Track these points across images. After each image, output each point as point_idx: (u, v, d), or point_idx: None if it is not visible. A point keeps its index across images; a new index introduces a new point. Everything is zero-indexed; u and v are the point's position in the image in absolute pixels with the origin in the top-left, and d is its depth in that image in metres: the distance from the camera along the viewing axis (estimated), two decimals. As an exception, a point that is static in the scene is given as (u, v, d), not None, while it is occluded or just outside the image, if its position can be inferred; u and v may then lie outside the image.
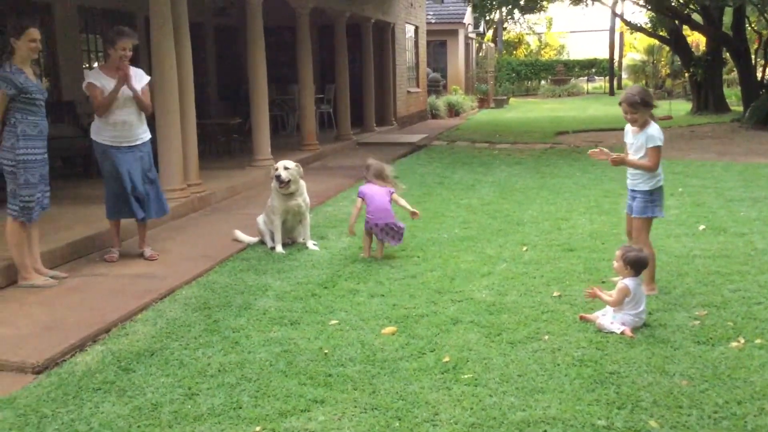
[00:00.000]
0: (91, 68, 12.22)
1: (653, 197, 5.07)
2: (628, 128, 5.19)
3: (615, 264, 4.69)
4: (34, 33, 5.32)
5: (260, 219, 6.78)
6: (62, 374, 3.97)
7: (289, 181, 6.45)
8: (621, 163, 5.13)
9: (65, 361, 4.18)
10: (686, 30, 23.87)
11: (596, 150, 5.26)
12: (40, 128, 5.43)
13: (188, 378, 3.90)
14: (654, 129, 5.03)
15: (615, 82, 38.61)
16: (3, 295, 5.32)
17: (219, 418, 3.46)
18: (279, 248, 6.50)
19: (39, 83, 5.46)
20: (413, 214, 6.40)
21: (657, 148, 4.98)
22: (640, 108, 5.00)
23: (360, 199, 6.28)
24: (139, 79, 6.16)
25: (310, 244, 6.66)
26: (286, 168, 6.45)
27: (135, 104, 6.09)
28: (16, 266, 5.46)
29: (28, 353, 4.18)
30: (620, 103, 5.13)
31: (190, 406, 3.58)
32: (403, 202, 6.41)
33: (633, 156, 5.12)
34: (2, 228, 5.55)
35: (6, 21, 10.54)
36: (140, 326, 4.68)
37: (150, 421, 3.44)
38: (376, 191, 6.27)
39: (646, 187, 5.06)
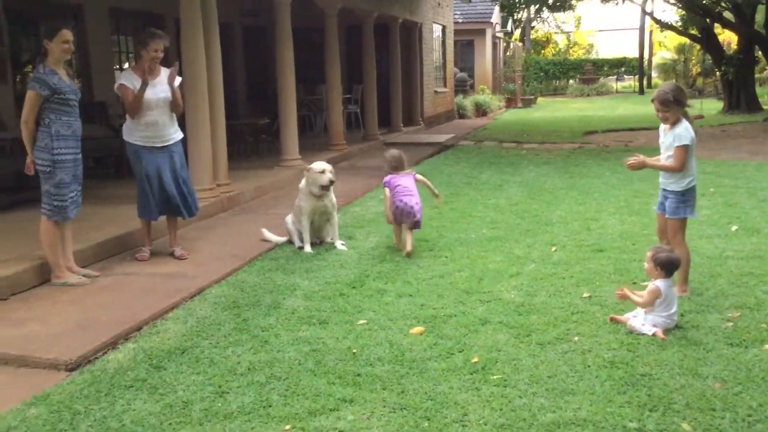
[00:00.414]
0: (122, 69, 12.38)
1: (685, 197, 5.00)
2: (662, 127, 5.13)
3: (646, 265, 4.63)
4: (67, 34, 5.38)
5: (289, 219, 6.82)
6: (95, 371, 4.02)
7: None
8: (641, 166, 5.06)
9: (98, 358, 4.23)
10: (717, 28, 23.54)
11: (632, 161, 5.14)
12: (74, 128, 5.49)
13: (218, 376, 3.93)
14: (682, 128, 4.93)
15: (645, 81, 38.22)
16: (36, 293, 5.40)
17: (249, 416, 3.49)
18: (308, 248, 6.53)
19: (72, 84, 5.54)
20: (436, 197, 6.67)
21: (683, 148, 4.89)
22: (672, 106, 4.92)
23: (387, 189, 6.48)
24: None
25: (338, 243, 6.68)
26: (331, 171, 6.53)
27: (167, 105, 6.15)
28: (50, 265, 5.54)
29: (61, 351, 4.24)
30: (653, 101, 5.06)
31: (220, 404, 3.60)
32: (427, 182, 6.72)
33: (664, 154, 5.06)
34: (36, 227, 5.63)
35: (39, 24, 10.76)
36: (171, 324, 4.73)
37: (181, 418, 3.48)
38: (399, 178, 6.51)
39: (677, 188, 4.99)
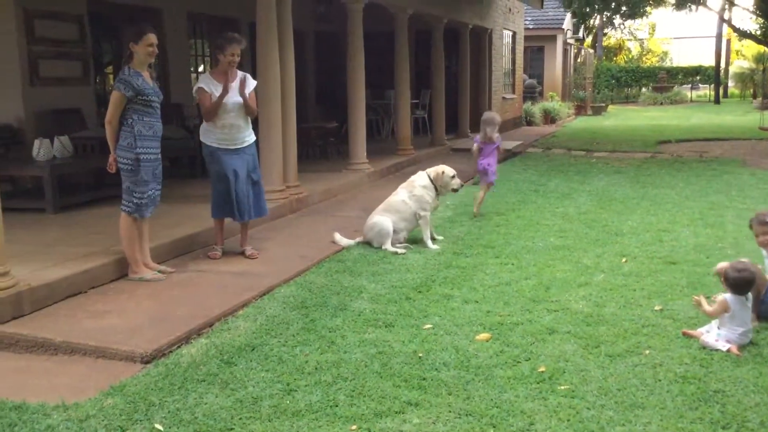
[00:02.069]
0: (198, 73, 12.73)
1: None
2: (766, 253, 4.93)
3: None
4: (152, 38, 5.56)
5: (385, 220, 6.86)
6: (169, 365, 4.15)
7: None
8: None
9: (172, 352, 4.37)
10: (800, 37, 22.70)
11: None
12: (155, 129, 5.67)
13: (287, 374, 4.00)
14: None
15: (721, 91, 37.07)
16: (114, 287, 5.60)
17: (316, 414, 3.54)
18: (431, 244, 6.92)
19: (155, 86, 5.71)
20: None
21: None
22: None
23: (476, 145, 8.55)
24: (247, 84, 6.37)
25: (431, 243, 6.94)
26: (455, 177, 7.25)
27: (242, 108, 6.28)
28: (128, 260, 5.73)
29: (137, 343, 4.39)
30: (751, 226, 4.95)
31: (288, 402, 3.67)
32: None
33: None
34: (115, 223, 5.84)
35: (119, 27, 11.15)
36: (241, 322, 4.84)
37: (251, 414, 3.56)
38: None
39: None
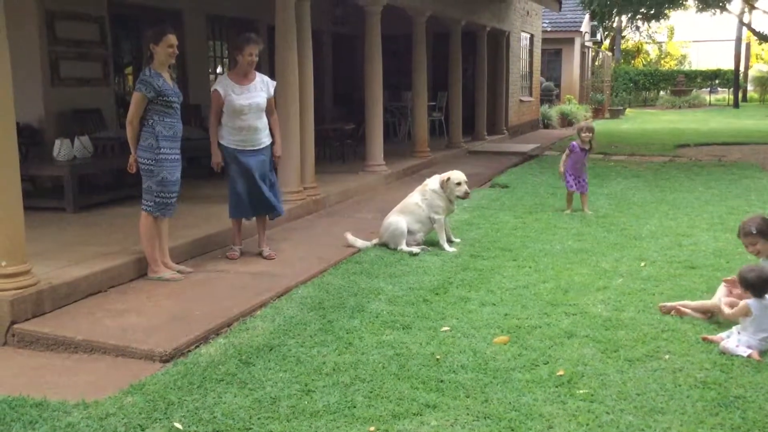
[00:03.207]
0: (216, 74, 12.79)
1: None
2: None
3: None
4: (172, 39, 5.60)
5: (399, 220, 6.86)
6: (188, 364, 4.17)
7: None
8: None
9: (190, 351, 4.39)
10: (822, 40, 22.49)
11: None
12: (175, 130, 5.71)
13: (305, 375, 4.01)
14: None
15: (740, 94, 36.76)
16: (134, 286, 5.64)
17: (334, 415, 3.55)
18: (447, 246, 6.84)
19: (175, 87, 5.76)
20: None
21: None
22: (758, 238, 4.72)
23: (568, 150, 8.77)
24: (267, 86, 6.42)
25: (447, 246, 6.89)
26: (467, 182, 7.03)
27: (259, 110, 6.32)
28: (147, 259, 5.77)
29: (156, 342, 4.42)
30: (739, 236, 4.89)
31: (306, 402, 3.68)
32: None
33: None
34: (136, 223, 5.88)
35: (139, 28, 11.22)
36: (259, 322, 4.86)
37: (269, 414, 3.57)
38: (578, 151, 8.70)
39: None
